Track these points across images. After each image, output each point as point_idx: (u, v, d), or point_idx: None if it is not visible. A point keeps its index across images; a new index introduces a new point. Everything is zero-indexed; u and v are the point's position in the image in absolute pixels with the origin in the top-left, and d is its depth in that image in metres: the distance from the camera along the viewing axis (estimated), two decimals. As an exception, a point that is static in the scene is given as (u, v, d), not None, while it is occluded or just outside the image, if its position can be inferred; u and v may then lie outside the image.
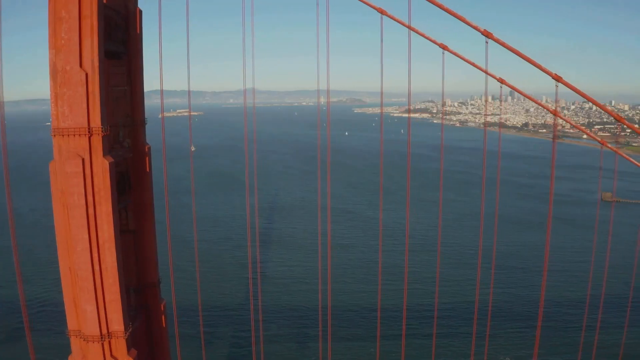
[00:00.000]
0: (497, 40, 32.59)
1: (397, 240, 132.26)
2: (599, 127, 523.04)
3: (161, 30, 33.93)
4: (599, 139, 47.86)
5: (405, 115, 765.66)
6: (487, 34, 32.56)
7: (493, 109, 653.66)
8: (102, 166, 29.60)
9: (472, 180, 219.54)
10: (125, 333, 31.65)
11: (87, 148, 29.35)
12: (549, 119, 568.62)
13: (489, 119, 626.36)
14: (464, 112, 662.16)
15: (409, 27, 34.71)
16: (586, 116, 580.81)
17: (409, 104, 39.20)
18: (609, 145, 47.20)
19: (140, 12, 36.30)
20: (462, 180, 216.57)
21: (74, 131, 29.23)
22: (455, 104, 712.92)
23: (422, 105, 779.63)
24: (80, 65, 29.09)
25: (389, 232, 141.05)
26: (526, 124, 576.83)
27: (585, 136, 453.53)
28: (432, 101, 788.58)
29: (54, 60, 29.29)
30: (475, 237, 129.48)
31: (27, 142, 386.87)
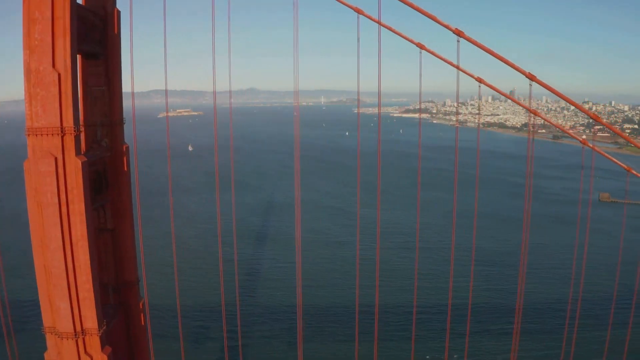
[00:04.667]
0: (468, 39, 32.95)
1: (386, 238, 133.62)
2: (599, 127, 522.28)
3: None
4: (580, 139, 47.98)
5: (405, 115, 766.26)
6: (458, 33, 32.97)
7: (493, 109, 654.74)
8: (74, 165, 29.93)
9: (460, 178, 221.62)
10: (99, 330, 31.97)
11: (59, 147, 29.69)
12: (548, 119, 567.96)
13: (488, 119, 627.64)
14: (463, 112, 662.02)
15: (382, 24, 35.08)
16: (586, 116, 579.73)
17: (379, 104, 39.60)
18: (590, 144, 47.55)
19: (119, 12, 36.64)
20: (450, 179, 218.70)
21: (47, 131, 29.59)
22: (455, 104, 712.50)
23: (422, 106, 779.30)
24: (53, 66, 29.43)
25: (375, 230, 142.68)
26: (526, 124, 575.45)
27: (584, 136, 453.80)
28: (432, 101, 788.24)
29: (28, 61, 29.64)
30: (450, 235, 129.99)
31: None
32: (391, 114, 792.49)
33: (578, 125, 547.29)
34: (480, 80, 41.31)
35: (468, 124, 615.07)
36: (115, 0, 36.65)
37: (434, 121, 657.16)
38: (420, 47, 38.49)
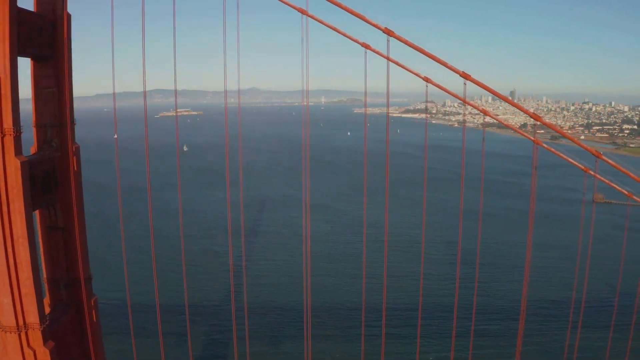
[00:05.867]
0: (398, 38, 33.68)
1: (368, 235, 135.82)
2: (597, 127, 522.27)
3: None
4: (533, 138, 48.48)
5: (405, 115, 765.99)
6: (388, 32, 33.71)
7: (492, 109, 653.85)
8: (14, 165, 30.84)
9: (450, 177, 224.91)
10: (42, 325, 32.91)
11: (-1, 148, 30.64)
12: (548, 120, 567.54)
13: (487, 119, 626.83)
14: (463, 112, 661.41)
15: (322, 22, 35.81)
16: (585, 117, 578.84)
17: (307, 103, 40.21)
18: (544, 144, 48.19)
19: (69, 16, 37.50)
20: (440, 177, 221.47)
21: (-13, 132, 30.54)
22: (455, 104, 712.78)
23: (422, 106, 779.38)
24: (-7, 70, 30.37)
25: (363, 228, 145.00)
26: (524, 125, 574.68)
27: (582, 137, 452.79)
28: (432, 101, 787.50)
29: (-30, 65, 30.61)
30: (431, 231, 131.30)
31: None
32: (391, 114, 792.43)
33: (577, 125, 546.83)
34: (427, 80, 42.09)
35: (467, 124, 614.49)
36: (66, 4, 37.48)
37: (434, 121, 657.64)
38: (366, 47, 39.31)
